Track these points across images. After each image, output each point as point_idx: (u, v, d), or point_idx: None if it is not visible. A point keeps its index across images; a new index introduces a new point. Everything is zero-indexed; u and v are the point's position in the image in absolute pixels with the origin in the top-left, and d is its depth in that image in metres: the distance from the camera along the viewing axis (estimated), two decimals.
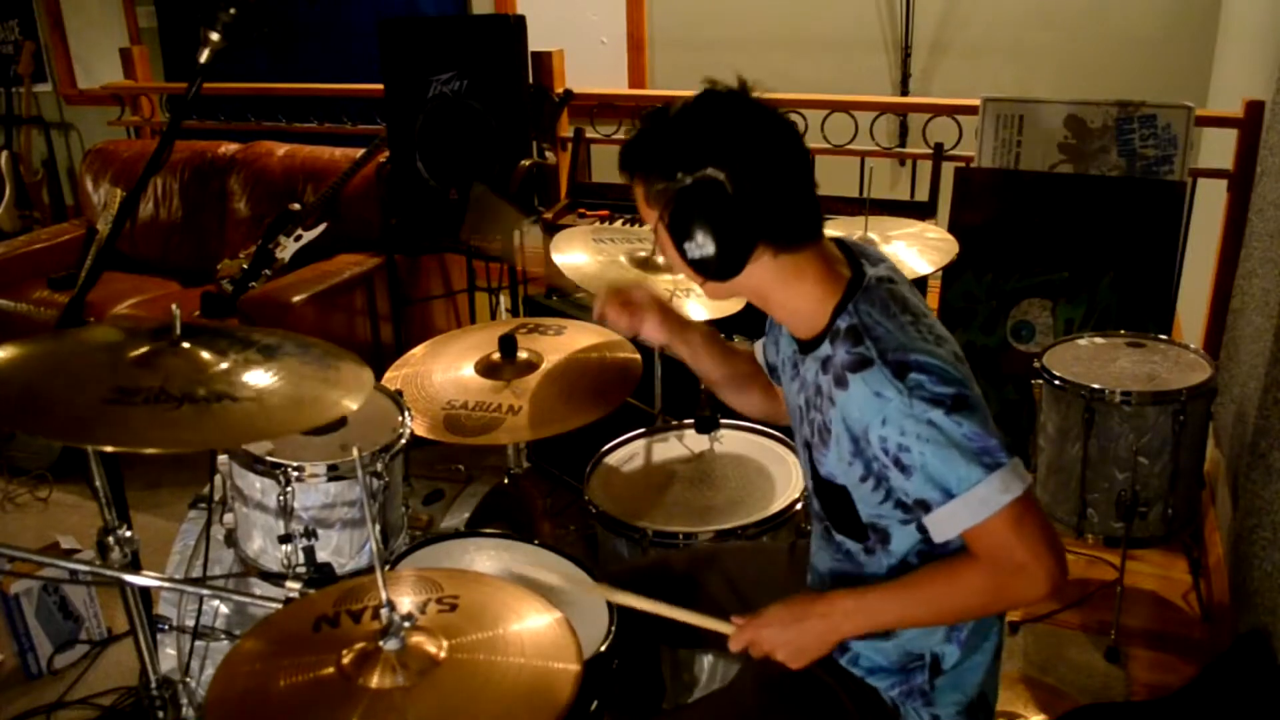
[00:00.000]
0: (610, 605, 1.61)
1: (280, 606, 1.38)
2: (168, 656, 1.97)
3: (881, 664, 1.43)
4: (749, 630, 1.39)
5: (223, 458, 1.89)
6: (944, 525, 1.27)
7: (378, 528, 1.87)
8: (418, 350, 2.24)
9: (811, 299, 1.35)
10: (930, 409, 1.23)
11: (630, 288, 1.67)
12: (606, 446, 2.22)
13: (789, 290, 1.36)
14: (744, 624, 1.40)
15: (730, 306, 2.26)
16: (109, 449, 1.41)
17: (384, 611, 1.19)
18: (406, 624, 1.20)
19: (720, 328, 2.76)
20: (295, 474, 1.78)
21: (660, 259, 2.34)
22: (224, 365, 1.41)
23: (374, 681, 1.16)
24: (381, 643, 1.19)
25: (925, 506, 1.27)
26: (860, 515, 1.38)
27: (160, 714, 1.56)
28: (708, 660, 1.81)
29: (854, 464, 1.33)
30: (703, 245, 1.29)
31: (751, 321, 2.44)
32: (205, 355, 1.42)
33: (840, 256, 1.38)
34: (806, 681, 1.45)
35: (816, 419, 1.38)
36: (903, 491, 1.30)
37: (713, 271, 1.32)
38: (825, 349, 1.34)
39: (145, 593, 1.51)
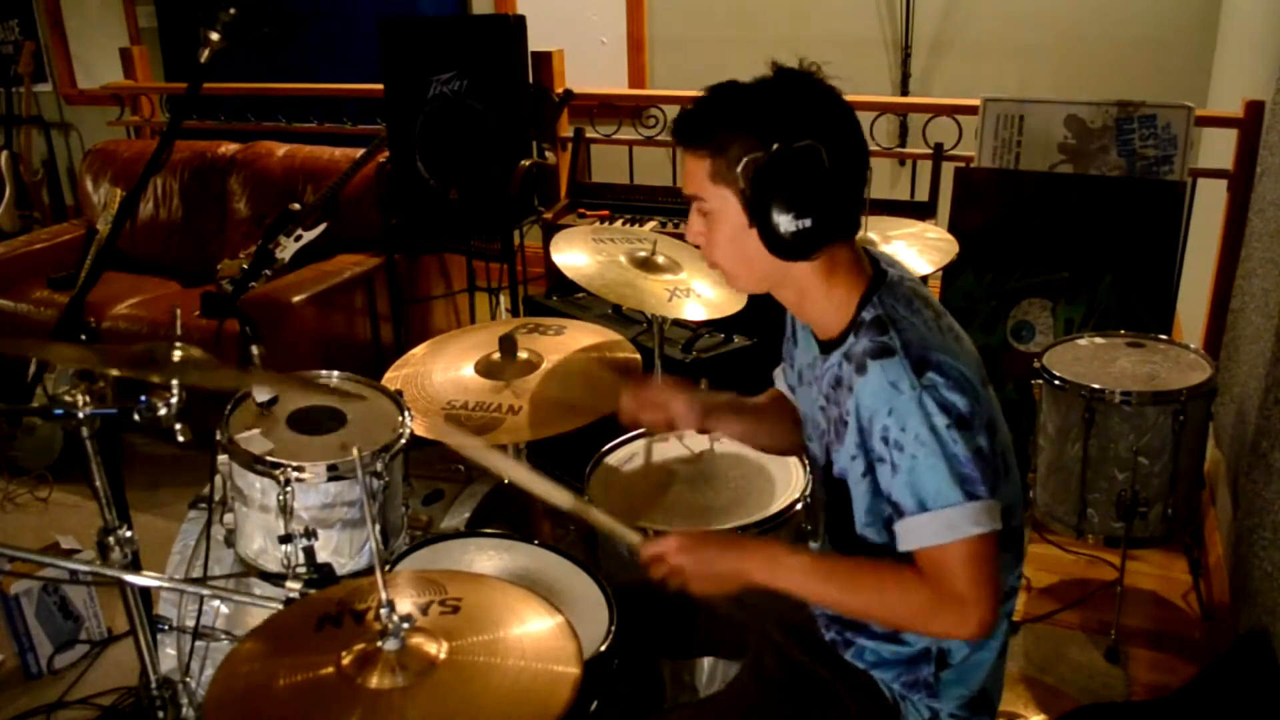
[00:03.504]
0: (610, 605, 1.61)
1: (280, 607, 1.38)
2: (168, 656, 1.97)
3: (886, 658, 1.44)
4: (661, 543, 1.39)
5: (223, 458, 1.89)
6: (910, 536, 1.28)
7: (378, 528, 1.87)
8: (418, 350, 2.24)
9: (840, 294, 1.35)
10: (937, 414, 1.23)
11: (646, 387, 1.64)
12: (606, 446, 2.22)
13: (826, 284, 1.35)
14: (658, 539, 1.40)
15: (731, 305, 2.26)
16: None
17: (383, 612, 1.19)
18: (406, 625, 1.20)
19: (719, 328, 2.77)
20: (295, 474, 1.78)
21: (661, 258, 2.34)
22: None
23: (373, 682, 1.16)
24: (381, 643, 1.19)
25: (899, 510, 1.28)
26: (855, 523, 1.38)
27: (160, 714, 1.55)
28: (707, 662, 1.81)
29: (858, 457, 1.33)
30: (797, 218, 1.25)
31: (751, 321, 2.45)
32: None
33: (862, 255, 1.39)
34: (807, 677, 1.45)
35: (834, 413, 1.37)
36: (887, 490, 1.29)
37: (795, 249, 1.28)
38: (849, 341, 1.34)
39: (145, 593, 1.51)
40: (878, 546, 1.37)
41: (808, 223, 1.26)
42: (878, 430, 1.28)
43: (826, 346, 1.39)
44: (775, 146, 1.24)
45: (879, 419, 1.27)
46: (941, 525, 1.24)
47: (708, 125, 1.29)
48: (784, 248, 1.28)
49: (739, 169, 1.27)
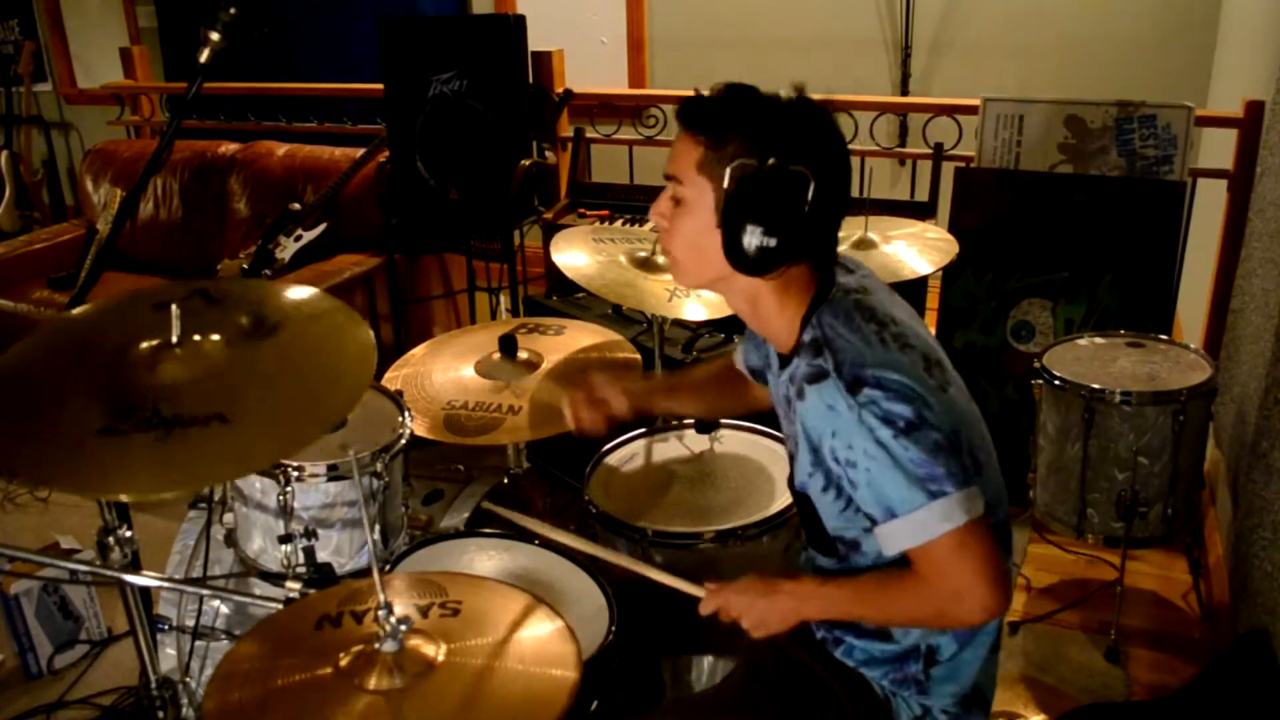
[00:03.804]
0: (610, 605, 1.61)
1: (280, 607, 1.38)
2: (168, 656, 1.97)
3: (875, 655, 1.44)
4: (720, 595, 1.42)
5: None
6: (888, 542, 1.30)
7: (377, 528, 1.87)
8: (418, 350, 2.24)
9: (790, 311, 1.37)
10: (880, 427, 1.24)
11: (586, 383, 1.69)
12: (606, 446, 2.22)
13: (778, 302, 1.37)
14: (716, 589, 1.43)
15: (727, 306, 2.26)
16: (106, 498, 1.38)
17: (380, 614, 1.19)
18: (403, 627, 1.20)
19: (719, 328, 2.77)
20: (295, 474, 1.78)
21: (661, 258, 2.34)
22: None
23: (371, 683, 1.16)
24: (379, 644, 1.19)
25: (872, 520, 1.30)
26: (826, 528, 1.40)
27: (160, 714, 1.55)
28: (707, 660, 1.80)
29: (815, 474, 1.35)
30: (765, 235, 1.26)
31: None
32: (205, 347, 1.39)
33: (818, 270, 1.40)
34: (800, 673, 1.46)
35: (790, 430, 1.40)
36: (858, 504, 1.32)
37: (751, 263, 1.29)
38: (794, 363, 1.35)
39: (145, 593, 1.50)
40: (851, 542, 1.40)
41: (772, 243, 1.27)
42: (827, 453, 1.30)
43: (783, 361, 1.41)
44: (770, 161, 1.26)
45: (826, 441, 1.29)
46: (915, 528, 1.26)
47: (715, 115, 1.31)
48: (740, 258, 1.29)
49: (728, 168, 1.28)
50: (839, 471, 1.30)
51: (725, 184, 1.28)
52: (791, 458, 1.44)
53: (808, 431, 1.32)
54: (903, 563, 1.35)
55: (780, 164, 1.25)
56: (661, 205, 1.38)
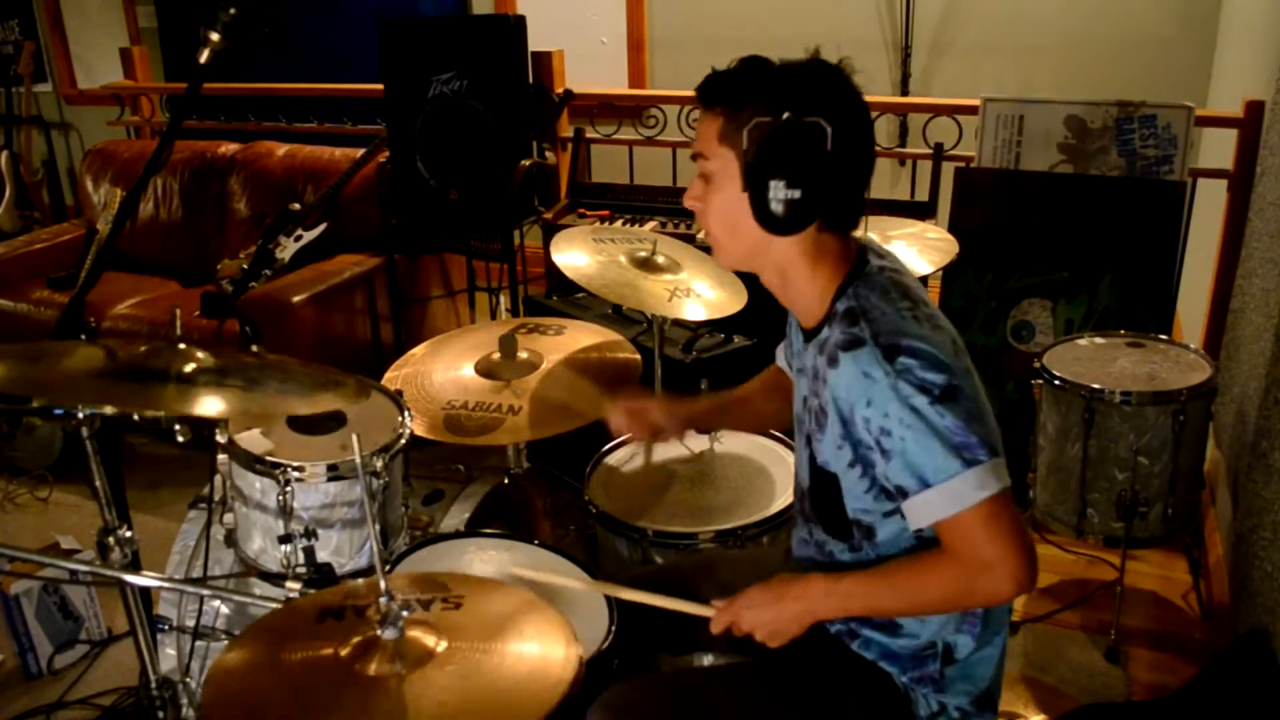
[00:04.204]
0: (610, 605, 1.61)
1: (280, 606, 1.38)
2: (168, 656, 1.97)
3: (893, 650, 1.44)
4: (729, 612, 1.41)
5: (223, 458, 1.89)
6: (918, 514, 1.28)
7: (377, 526, 1.87)
8: (418, 350, 2.24)
9: (822, 282, 1.38)
10: (915, 394, 1.24)
11: (631, 399, 1.67)
12: (606, 446, 2.22)
13: (809, 270, 1.37)
14: (724, 606, 1.42)
15: (731, 305, 2.26)
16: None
17: (382, 600, 1.20)
18: (405, 613, 1.20)
19: (719, 328, 2.77)
20: (295, 474, 1.78)
21: (661, 258, 2.34)
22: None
23: (372, 669, 1.17)
24: (380, 631, 1.19)
25: (902, 493, 1.29)
26: (846, 510, 1.39)
27: (160, 714, 1.55)
28: (708, 659, 1.80)
29: (843, 447, 1.34)
30: (788, 188, 1.28)
31: (751, 321, 2.44)
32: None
33: (852, 248, 1.41)
34: (817, 666, 1.45)
35: (814, 404, 1.40)
36: (884, 476, 1.31)
37: (780, 221, 1.31)
38: (825, 332, 1.36)
39: (145, 593, 1.51)
40: (867, 528, 1.39)
41: (796, 194, 1.29)
42: (860, 422, 1.29)
43: (808, 336, 1.42)
44: (785, 116, 1.28)
45: (859, 410, 1.29)
46: (950, 497, 1.25)
47: (729, 86, 1.34)
48: (769, 218, 1.31)
49: (745, 131, 1.30)
50: (870, 443, 1.29)
51: (744, 145, 1.31)
52: (810, 437, 1.43)
53: (838, 402, 1.32)
54: (918, 550, 1.35)
55: (795, 118, 1.28)
56: (694, 188, 1.40)
